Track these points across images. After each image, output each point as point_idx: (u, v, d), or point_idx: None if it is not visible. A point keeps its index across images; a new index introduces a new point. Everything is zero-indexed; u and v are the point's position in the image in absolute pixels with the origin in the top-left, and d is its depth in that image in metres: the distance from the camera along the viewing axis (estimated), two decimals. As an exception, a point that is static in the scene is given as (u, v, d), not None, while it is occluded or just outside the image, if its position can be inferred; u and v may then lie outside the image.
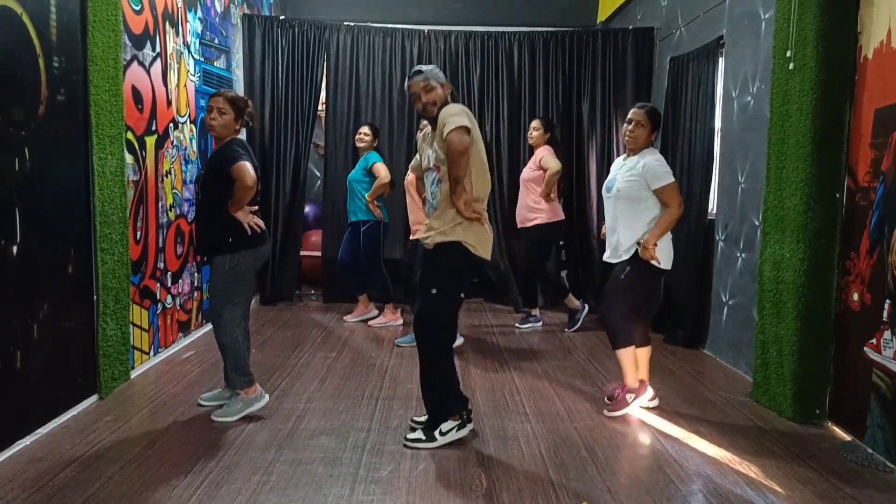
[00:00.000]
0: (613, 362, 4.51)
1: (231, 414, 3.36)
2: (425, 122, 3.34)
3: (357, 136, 5.55)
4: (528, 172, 5.42)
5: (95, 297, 3.55)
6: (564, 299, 5.62)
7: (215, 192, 3.34)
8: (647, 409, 3.63)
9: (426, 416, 3.23)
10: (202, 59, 5.19)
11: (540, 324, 5.62)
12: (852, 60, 3.37)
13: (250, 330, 3.57)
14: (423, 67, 3.11)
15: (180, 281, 4.73)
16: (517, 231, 5.63)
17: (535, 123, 5.44)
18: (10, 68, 2.91)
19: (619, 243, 3.55)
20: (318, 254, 6.56)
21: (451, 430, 3.13)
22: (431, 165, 3.13)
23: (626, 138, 3.60)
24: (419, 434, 3.12)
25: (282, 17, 6.32)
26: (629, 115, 3.59)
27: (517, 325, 5.62)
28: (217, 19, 5.52)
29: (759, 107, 4.22)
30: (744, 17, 4.45)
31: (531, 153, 5.55)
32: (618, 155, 6.22)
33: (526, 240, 5.48)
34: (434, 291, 3.05)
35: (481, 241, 3.10)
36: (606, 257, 3.70)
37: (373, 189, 5.31)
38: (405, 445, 3.08)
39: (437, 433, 3.10)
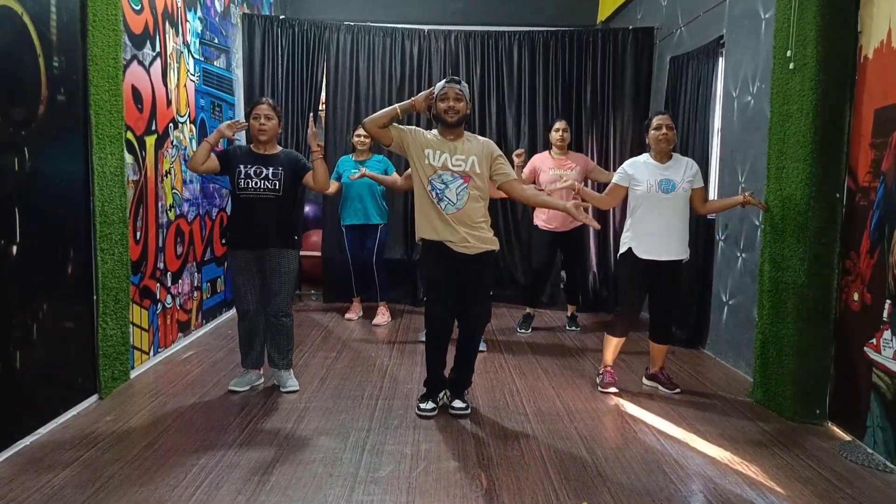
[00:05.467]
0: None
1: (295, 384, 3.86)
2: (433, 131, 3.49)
3: (357, 140, 5.52)
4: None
5: (95, 297, 3.55)
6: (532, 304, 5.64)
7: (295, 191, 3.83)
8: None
9: (433, 403, 3.55)
10: (202, 59, 5.18)
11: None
12: (852, 60, 3.37)
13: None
14: (460, 80, 3.48)
15: (180, 281, 4.73)
16: (558, 235, 5.35)
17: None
18: (10, 68, 2.91)
19: (679, 241, 3.78)
20: (318, 254, 6.56)
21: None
22: (464, 171, 3.39)
23: (664, 142, 3.76)
24: (461, 402, 3.55)
25: (282, 17, 6.32)
26: (659, 121, 3.78)
27: (568, 327, 5.58)
28: (217, 19, 5.51)
29: (759, 107, 4.22)
30: (744, 16, 4.45)
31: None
32: (616, 154, 6.26)
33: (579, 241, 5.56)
34: (491, 293, 3.62)
35: None
36: (658, 255, 3.76)
37: (384, 181, 5.41)
38: (457, 416, 3.47)
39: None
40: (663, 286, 3.84)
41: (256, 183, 3.66)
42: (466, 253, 3.38)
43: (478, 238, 3.39)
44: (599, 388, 3.94)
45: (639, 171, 3.80)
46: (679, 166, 3.80)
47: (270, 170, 3.68)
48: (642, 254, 3.77)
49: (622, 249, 3.87)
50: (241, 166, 3.68)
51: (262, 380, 3.92)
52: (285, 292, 3.77)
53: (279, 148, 3.82)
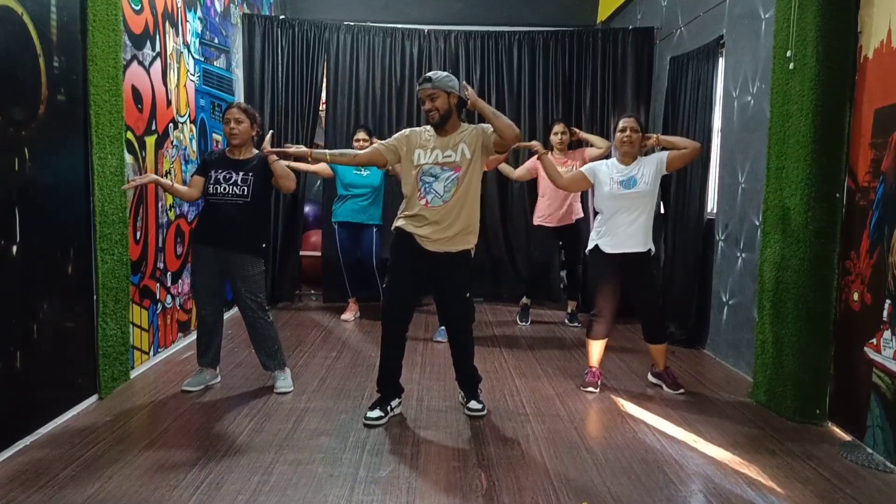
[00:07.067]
0: (613, 362, 4.53)
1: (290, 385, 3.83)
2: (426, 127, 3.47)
3: (357, 144, 5.50)
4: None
5: (95, 297, 3.55)
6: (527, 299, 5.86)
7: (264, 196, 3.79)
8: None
9: (380, 411, 3.39)
10: (202, 59, 5.18)
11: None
12: (852, 60, 3.37)
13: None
14: (433, 75, 3.32)
15: (180, 281, 4.73)
16: (556, 230, 5.54)
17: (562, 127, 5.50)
18: (10, 68, 2.91)
19: (642, 234, 3.82)
20: (318, 254, 6.56)
21: None
22: (454, 161, 3.33)
23: (626, 144, 3.83)
24: (478, 404, 3.50)
25: (282, 17, 6.32)
26: (624, 124, 3.86)
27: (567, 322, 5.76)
28: (217, 19, 5.51)
29: (759, 107, 4.22)
30: (744, 17, 4.46)
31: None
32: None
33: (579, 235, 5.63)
34: (468, 295, 3.52)
35: None
36: (621, 248, 3.82)
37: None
38: (473, 417, 3.44)
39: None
40: (636, 281, 3.88)
41: (225, 188, 3.64)
42: (436, 251, 3.33)
43: (451, 240, 3.33)
44: (581, 387, 3.97)
45: (601, 171, 3.90)
46: (642, 165, 3.83)
47: (241, 175, 3.65)
48: (607, 248, 3.84)
49: (590, 246, 3.96)
50: (213, 171, 3.68)
51: (218, 379, 3.90)
52: (251, 290, 3.70)
53: (255, 152, 3.76)
